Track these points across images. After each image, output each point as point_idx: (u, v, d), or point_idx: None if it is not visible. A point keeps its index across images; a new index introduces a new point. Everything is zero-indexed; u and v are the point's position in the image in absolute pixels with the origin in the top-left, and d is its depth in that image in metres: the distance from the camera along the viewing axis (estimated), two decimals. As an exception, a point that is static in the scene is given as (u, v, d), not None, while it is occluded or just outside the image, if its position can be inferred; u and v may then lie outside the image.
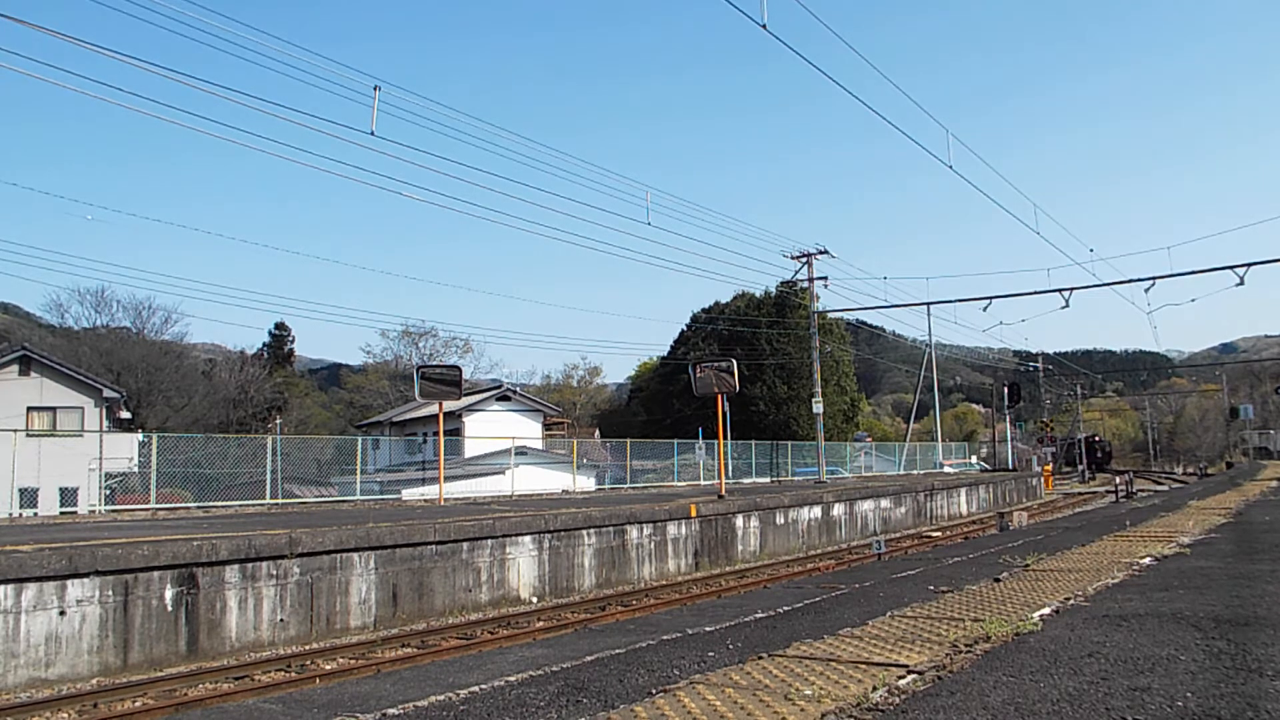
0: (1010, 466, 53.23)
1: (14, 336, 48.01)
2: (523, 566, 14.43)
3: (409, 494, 28.39)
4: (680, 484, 34.94)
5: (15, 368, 30.30)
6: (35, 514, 24.88)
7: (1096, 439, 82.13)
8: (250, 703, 7.45)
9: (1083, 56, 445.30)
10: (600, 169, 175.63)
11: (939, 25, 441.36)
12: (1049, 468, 50.43)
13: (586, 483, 36.02)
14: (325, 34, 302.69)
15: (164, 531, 12.75)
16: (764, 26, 14.08)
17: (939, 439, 56.09)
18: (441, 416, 22.00)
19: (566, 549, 15.27)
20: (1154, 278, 28.52)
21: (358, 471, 27.89)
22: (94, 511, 22.88)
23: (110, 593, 9.71)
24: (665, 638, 6.29)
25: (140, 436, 28.77)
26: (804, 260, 34.48)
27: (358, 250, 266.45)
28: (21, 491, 24.49)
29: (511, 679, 4.94)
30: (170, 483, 24.88)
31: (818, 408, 33.81)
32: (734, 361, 22.73)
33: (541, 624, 12.52)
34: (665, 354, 66.69)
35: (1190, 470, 71.14)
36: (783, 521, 21.38)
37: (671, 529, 17.62)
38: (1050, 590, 7.06)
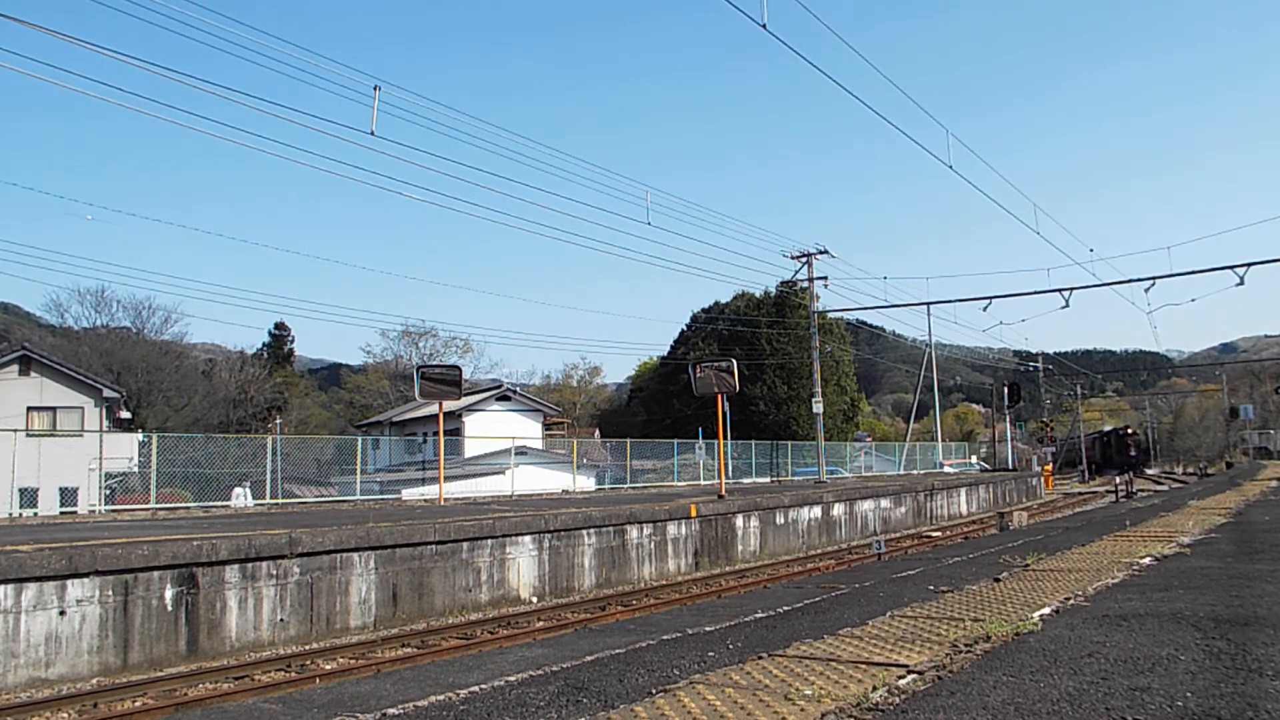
0: (1010, 466, 53.21)
1: (14, 336, 47.98)
2: (523, 566, 14.43)
3: (409, 494, 28.39)
4: (680, 484, 34.93)
5: (15, 368, 30.29)
6: (35, 514, 24.89)
7: (1130, 433, 68.86)
8: (250, 703, 7.45)
9: (1083, 56, 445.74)
10: (600, 169, 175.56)
11: (939, 25, 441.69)
12: (1049, 468, 50.37)
13: (586, 483, 36.01)
14: (325, 34, 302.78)
15: (164, 531, 12.75)
16: (764, 26, 14.09)
17: (939, 439, 56.08)
18: (441, 416, 21.99)
19: (566, 549, 15.27)
20: (1154, 278, 28.55)
21: (358, 471, 27.89)
22: (94, 511, 22.88)
23: (110, 593, 9.71)
24: (665, 637, 6.29)
25: (140, 436, 28.77)
26: (804, 260, 34.47)
27: (358, 250, 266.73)
28: (21, 491, 24.48)
29: (511, 679, 4.94)
30: (170, 483, 24.88)
31: (818, 408, 33.80)
32: (734, 361, 22.72)
33: (541, 624, 12.52)
34: (665, 354, 66.75)
35: (1190, 470, 70.25)
36: (783, 521, 21.38)
37: (671, 529, 17.62)
38: (1050, 590, 7.06)
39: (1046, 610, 6.04)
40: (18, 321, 77.63)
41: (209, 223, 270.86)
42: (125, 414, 37.60)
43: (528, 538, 14.55)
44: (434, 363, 60.22)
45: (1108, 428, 75.32)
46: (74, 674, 9.36)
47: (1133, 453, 63.74)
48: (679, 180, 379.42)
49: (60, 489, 27.93)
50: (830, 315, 53.24)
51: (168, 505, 22.19)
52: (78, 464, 27.38)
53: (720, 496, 21.56)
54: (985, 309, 34.12)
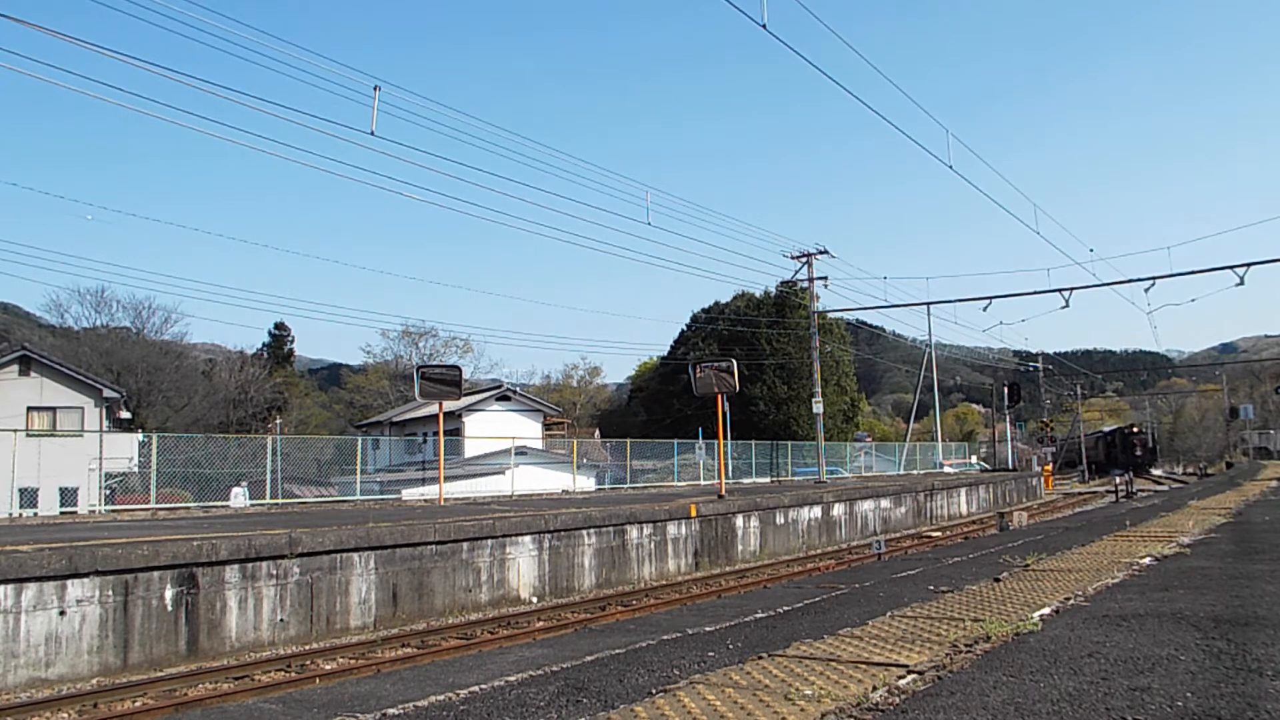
0: (1010, 466, 53.20)
1: (14, 336, 47.95)
2: (523, 566, 14.43)
3: (409, 494, 28.39)
4: (680, 484, 34.93)
5: (15, 368, 30.28)
6: (35, 514, 24.88)
7: (1136, 432, 66.24)
8: (250, 703, 7.45)
9: (1083, 56, 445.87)
10: (600, 169, 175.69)
11: (939, 25, 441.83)
12: (1049, 468, 50.33)
13: (586, 483, 36.01)
14: (325, 34, 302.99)
15: (164, 531, 12.75)
16: (764, 26, 14.09)
17: (939, 439, 56.09)
18: (441, 416, 21.99)
19: (566, 549, 15.27)
20: (1154, 278, 28.52)
21: (358, 471, 27.89)
22: (94, 511, 22.88)
23: (110, 593, 9.71)
24: (665, 638, 6.29)
25: (140, 436, 28.76)
26: (804, 260, 34.47)
27: (358, 250, 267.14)
28: (21, 491, 24.49)
29: (511, 679, 4.94)
30: (170, 483, 24.88)
31: (818, 408, 33.80)
32: (734, 361, 22.73)
33: (541, 624, 12.52)
34: (665, 354, 66.67)
35: (1190, 470, 70.04)
36: (783, 521, 21.37)
37: (671, 529, 17.62)
38: (1050, 590, 7.06)
39: (1046, 610, 6.04)
40: (18, 321, 77.62)
41: (209, 223, 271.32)
42: (125, 414, 37.60)
43: (528, 538, 14.55)
44: (434, 363, 60.23)
45: (1112, 426, 73.98)
46: (74, 674, 9.36)
47: (1139, 452, 61.50)
48: (679, 180, 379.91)
49: (60, 489, 27.92)
50: (830, 315, 53.25)
51: (168, 505, 22.19)
52: (78, 464, 27.37)
53: (720, 496, 21.56)
54: (985, 309, 34.15)
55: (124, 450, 28.94)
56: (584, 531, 15.63)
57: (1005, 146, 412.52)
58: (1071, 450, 70.65)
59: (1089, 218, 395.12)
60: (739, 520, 19.72)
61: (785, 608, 7.63)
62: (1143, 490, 41.12)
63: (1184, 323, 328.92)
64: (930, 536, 24.65)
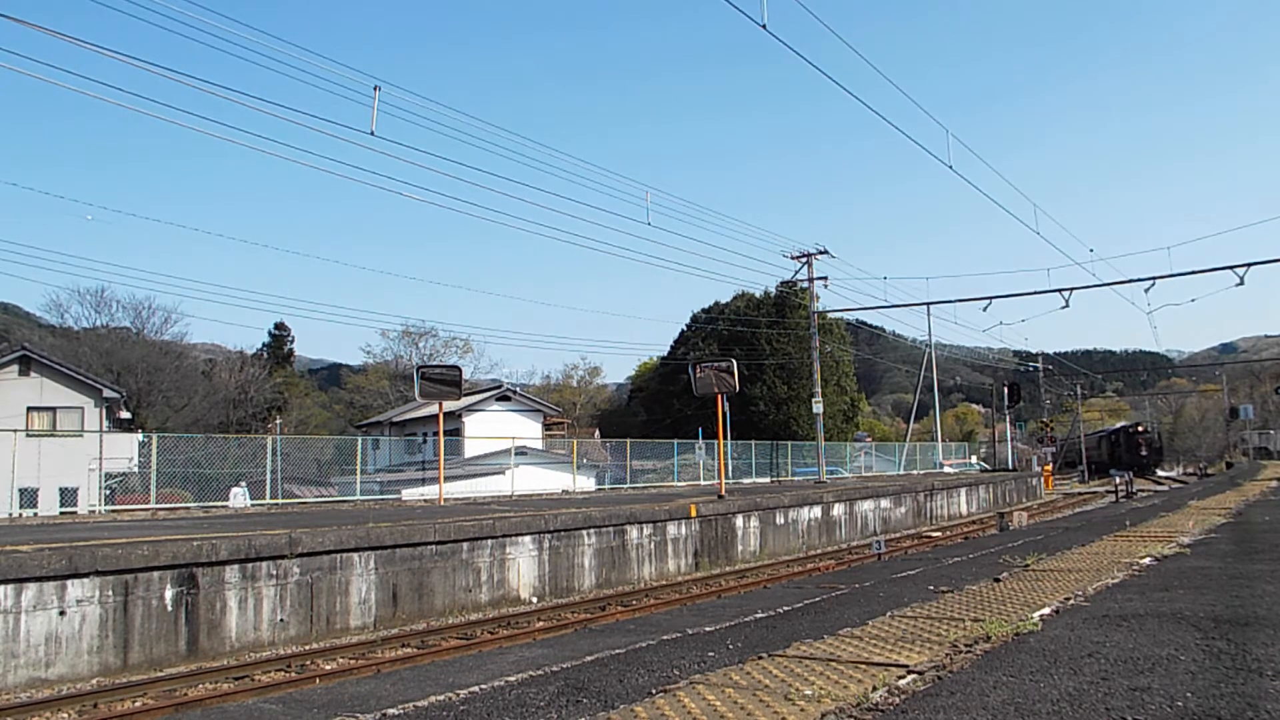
0: (1010, 466, 53.18)
1: (14, 336, 47.96)
2: (523, 566, 14.43)
3: (409, 494, 28.39)
4: (680, 484, 34.93)
5: (15, 368, 30.28)
6: (35, 514, 24.88)
7: (1141, 431, 63.81)
8: (250, 703, 7.45)
9: (1083, 56, 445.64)
10: (600, 169, 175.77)
11: (939, 25, 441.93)
12: (1049, 468, 50.31)
13: (586, 483, 36.01)
14: (325, 34, 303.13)
15: (164, 531, 12.75)
16: (764, 26, 14.09)
17: (939, 439, 56.07)
18: (441, 416, 22.00)
19: (566, 549, 15.27)
20: (1154, 278, 28.50)
21: (358, 471, 27.89)
22: (94, 511, 22.88)
23: (110, 593, 9.71)
24: (665, 638, 6.29)
25: (140, 436, 28.76)
26: (804, 260, 34.46)
27: (358, 250, 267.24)
28: (21, 491, 24.48)
29: (511, 679, 4.94)
30: (170, 483, 24.88)
31: (818, 408, 33.80)
32: (734, 361, 22.74)
33: (541, 624, 12.52)
34: (665, 354, 66.70)
35: (1190, 470, 69.86)
36: (783, 521, 21.37)
37: (671, 529, 17.62)
38: (1050, 590, 7.06)
39: (1046, 610, 6.04)
40: (18, 321, 77.64)
41: (209, 223, 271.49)
42: (125, 414, 37.59)
43: (528, 538, 14.55)
44: (434, 363, 60.23)
45: (1115, 425, 73.08)
46: (74, 674, 9.36)
47: (1144, 452, 59.55)
48: (679, 180, 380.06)
49: (60, 489, 27.92)
50: (830, 315, 53.27)
51: (168, 505, 22.19)
52: (78, 464, 27.37)
53: (720, 496, 21.56)
54: (985, 309, 34.16)
55: (124, 450, 28.94)
56: (584, 531, 15.63)
57: (1005, 146, 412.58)
58: (1071, 450, 70.37)
59: (1089, 218, 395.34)
60: (739, 520, 19.72)
61: (785, 608, 7.63)
62: (1142, 490, 41.08)
63: (1184, 323, 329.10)
64: (930, 536, 24.65)
